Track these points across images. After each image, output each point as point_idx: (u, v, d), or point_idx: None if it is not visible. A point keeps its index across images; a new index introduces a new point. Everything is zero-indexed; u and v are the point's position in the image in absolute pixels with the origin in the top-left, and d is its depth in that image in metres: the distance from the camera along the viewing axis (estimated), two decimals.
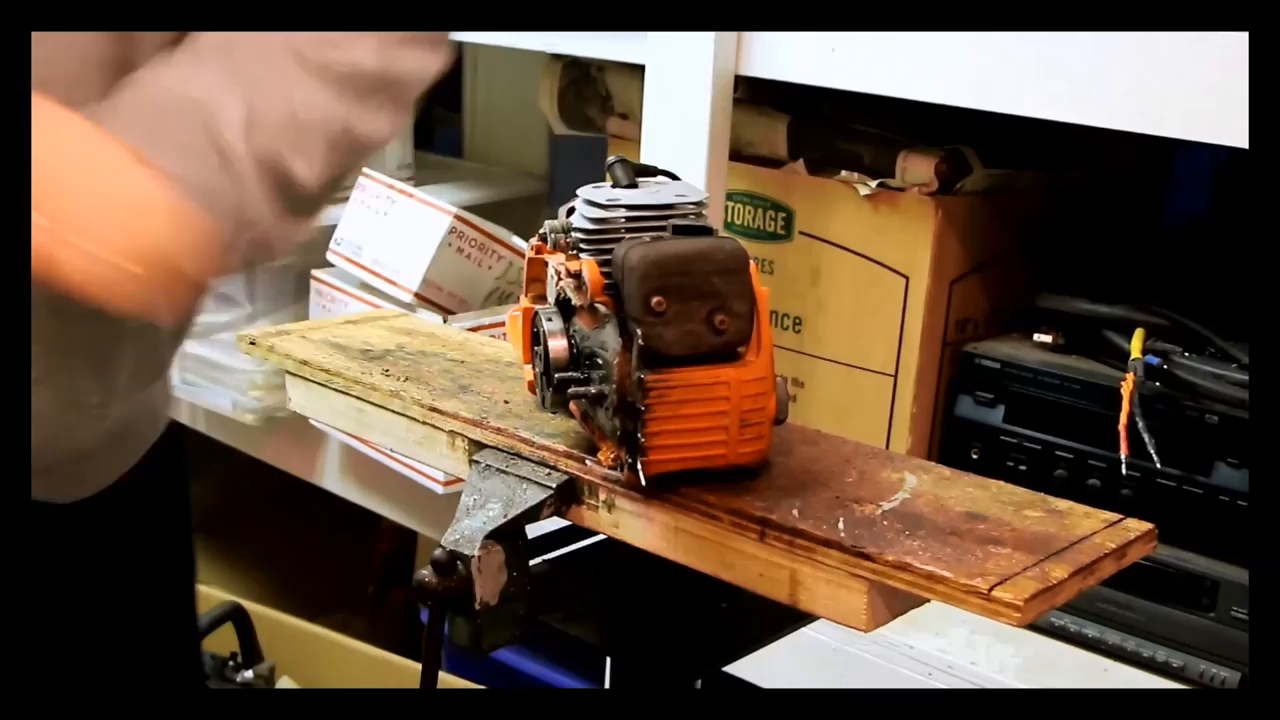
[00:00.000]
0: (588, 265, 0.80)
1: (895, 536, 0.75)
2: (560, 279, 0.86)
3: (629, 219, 0.85)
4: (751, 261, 0.80)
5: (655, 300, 0.76)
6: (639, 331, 0.76)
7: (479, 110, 2.07)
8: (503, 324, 1.34)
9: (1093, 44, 1.02)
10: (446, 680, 1.57)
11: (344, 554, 2.29)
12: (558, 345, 0.83)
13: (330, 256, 1.66)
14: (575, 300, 0.84)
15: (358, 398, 0.95)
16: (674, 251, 0.78)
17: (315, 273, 1.68)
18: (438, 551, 0.77)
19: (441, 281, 1.57)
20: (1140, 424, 1.13)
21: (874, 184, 1.30)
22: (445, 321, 1.52)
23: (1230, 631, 1.14)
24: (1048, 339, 1.28)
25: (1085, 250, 1.40)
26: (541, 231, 0.87)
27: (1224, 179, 1.49)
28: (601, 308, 0.81)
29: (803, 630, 0.93)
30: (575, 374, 0.82)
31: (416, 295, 1.56)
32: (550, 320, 0.84)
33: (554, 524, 0.86)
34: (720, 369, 0.75)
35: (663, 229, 0.83)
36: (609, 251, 0.80)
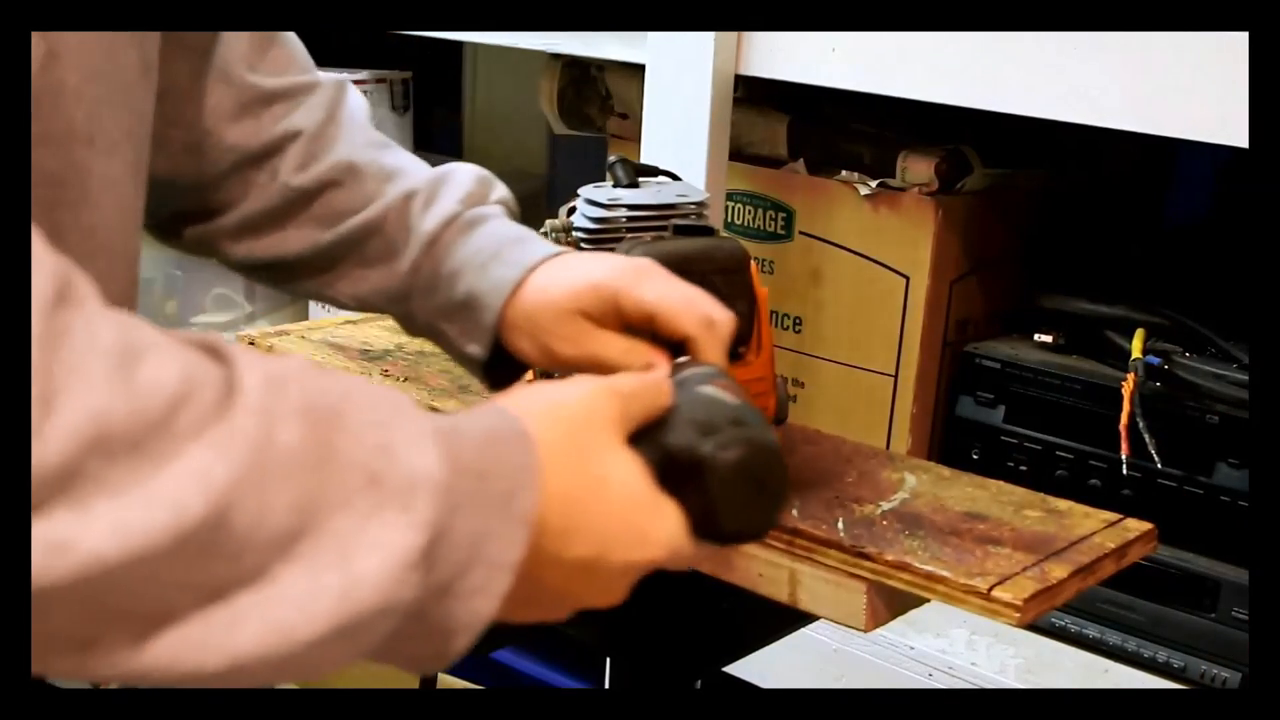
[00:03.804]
0: None
1: (895, 536, 0.75)
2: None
3: (630, 218, 0.85)
4: (752, 262, 0.80)
5: None
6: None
7: (479, 110, 2.07)
8: None
9: (1093, 44, 1.02)
10: (446, 680, 1.57)
11: None
12: None
13: None
14: None
15: None
16: (675, 251, 0.78)
17: None
18: None
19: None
20: (1141, 424, 1.13)
21: (874, 184, 1.30)
22: None
23: (1231, 632, 1.13)
24: (1048, 339, 1.28)
25: (1085, 250, 1.40)
26: (542, 230, 0.87)
27: (1224, 179, 1.49)
28: None
29: (803, 630, 0.93)
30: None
31: None
32: None
33: None
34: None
35: (664, 229, 0.83)
36: (610, 250, 0.80)
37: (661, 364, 0.72)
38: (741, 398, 0.63)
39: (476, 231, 0.81)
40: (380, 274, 0.83)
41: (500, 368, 0.80)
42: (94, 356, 0.41)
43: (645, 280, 0.75)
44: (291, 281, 0.87)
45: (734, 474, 0.59)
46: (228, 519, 0.43)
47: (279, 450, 0.44)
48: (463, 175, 0.84)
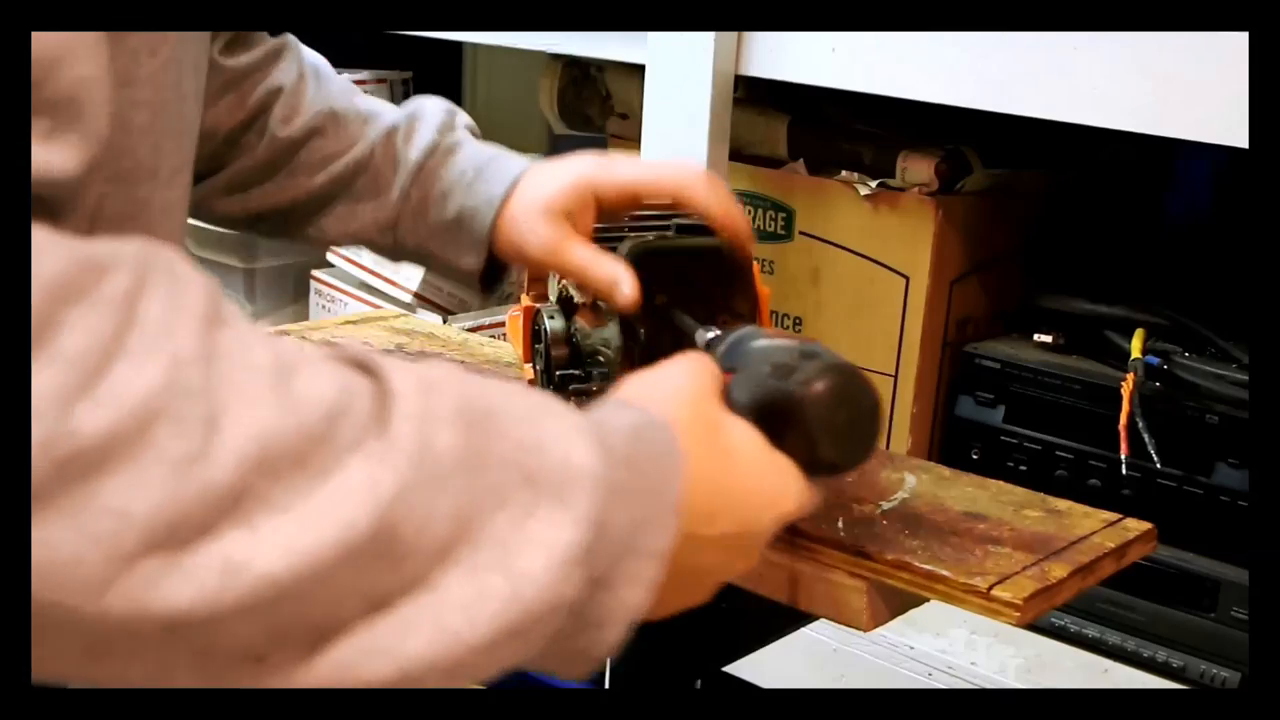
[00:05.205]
0: None
1: (895, 536, 0.75)
2: (562, 277, 0.86)
3: (632, 218, 0.85)
4: (754, 262, 0.81)
5: (658, 299, 0.76)
6: (641, 330, 0.76)
7: (479, 110, 2.07)
8: (503, 324, 1.33)
9: (1092, 44, 1.02)
10: None
11: None
12: (559, 343, 0.83)
13: (330, 256, 1.65)
14: (578, 298, 0.85)
15: None
16: (677, 251, 0.79)
17: (315, 273, 1.68)
18: None
19: (441, 282, 1.57)
20: (1140, 424, 1.13)
21: (874, 184, 1.30)
22: (445, 321, 1.52)
23: (1231, 632, 1.13)
24: (1048, 339, 1.28)
25: (1085, 250, 1.40)
26: None
27: (1224, 179, 1.49)
28: (604, 306, 0.81)
29: (803, 630, 0.94)
30: (576, 372, 0.82)
31: (416, 295, 1.56)
32: (552, 318, 0.84)
33: None
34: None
35: (666, 228, 0.83)
36: (612, 250, 0.81)
37: (625, 275, 0.76)
38: (791, 338, 0.63)
39: (456, 156, 0.88)
40: (369, 207, 0.88)
41: (487, 275, 0.88)
42: (252, 374, 0.41)
43: (616, 165, 0.83)
44: (283, 229, 0.91)
45: (827, 402, 0.58)
46: (394, 529, 0.43)
47: (438, 455, 0.44)
48: (433, 106, 0.90)
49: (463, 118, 0.91)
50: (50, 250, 0.39)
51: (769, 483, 0.58)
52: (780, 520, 0.59)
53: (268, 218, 0.90)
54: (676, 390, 0.57)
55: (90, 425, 0.38)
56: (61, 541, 0.38)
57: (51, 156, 0.42)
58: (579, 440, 0.49)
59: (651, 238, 0.81)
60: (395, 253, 0.91)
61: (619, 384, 0.59)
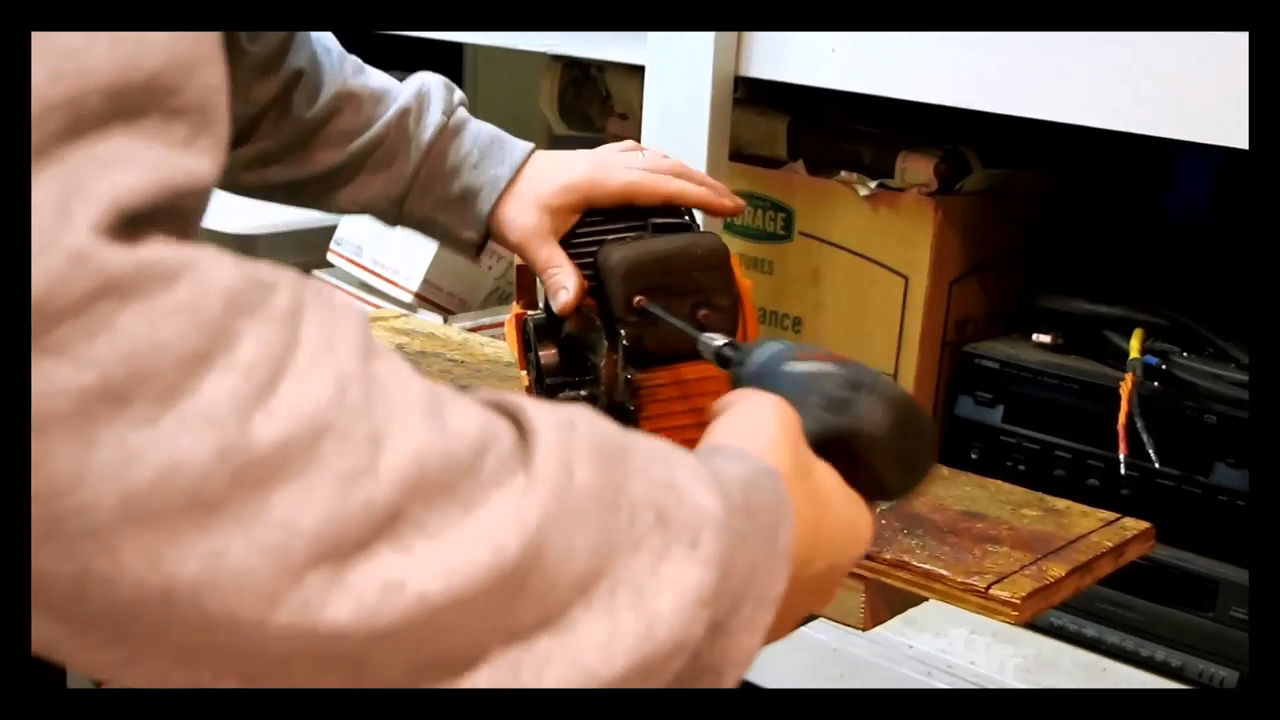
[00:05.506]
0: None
1: (893, 535, 0.75)
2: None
3: (608, 220, 0.85)
4: (733, 255, 0.80)
5: (637, 300, 0.76)
6: (623, 333, 0.76)
7: (479, 110, 2.07)
8: (502, 324, 1.33)
9: (1092, 44, 1.02)
10: None
11: None
12: (547, 351, 0.83)
13: (330, 257, 1.65)
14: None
15: None
16: (653, 250, 0.78)
17: (315, 273, 1.68)
18: None
19: (441, 282, 1.57)
20: (1139, 424, 1.13)
21: (874, 184, 1.30)
22: (445, 321, 1.52)
23: (1229, 631, 1.14)
24: (1047, 339, 1.28)
25: (1085, 250, 1.40)
26: None
27: (1224, 179, 1.49)
28: (586, 311, 0.81)
29: (803, 630, 0.93)
30: (566, 378, 0.82)
31: (416, 295, 1.56)
32: (540, 326, 0.84)
33: None
34: (709, 364, 0.75)
35: (643, 227, 0.83)
36: (592, 254, 0.81)
37: (571, 286, 0.82)
38: (828, 358, 0.62)
39: (462, 136, 0.94)
40: (380, 180, 0.94)
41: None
42: (409, 401, 0.42)
43: (609, 174, 0.87)
44: (295, 198, 0.97)
45: (891, 436, 0.58)
46: (539, 559, 0.43)
47: (578, 489, 0.45)
48: (435, 87, 0.96)
49: (459, 94, 0.97)
50: (220, 262, 0.40)
51: (850, 520, 0.59)
52: (860, 554, 0.60)
53: (284, 189, 0.95)
54: (770, 435, 0.57)
55: (266, 436, 0.38)
56: (234, 552, 0.38)
57: (194, 164, 0.41)
58: (704, 484, 0.49)
59: (631, 238, 0.81)
60: (398, 220, 0.96)
61: (707, 428, 0.59)
